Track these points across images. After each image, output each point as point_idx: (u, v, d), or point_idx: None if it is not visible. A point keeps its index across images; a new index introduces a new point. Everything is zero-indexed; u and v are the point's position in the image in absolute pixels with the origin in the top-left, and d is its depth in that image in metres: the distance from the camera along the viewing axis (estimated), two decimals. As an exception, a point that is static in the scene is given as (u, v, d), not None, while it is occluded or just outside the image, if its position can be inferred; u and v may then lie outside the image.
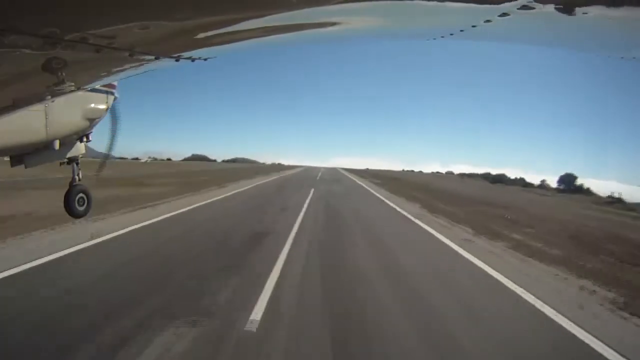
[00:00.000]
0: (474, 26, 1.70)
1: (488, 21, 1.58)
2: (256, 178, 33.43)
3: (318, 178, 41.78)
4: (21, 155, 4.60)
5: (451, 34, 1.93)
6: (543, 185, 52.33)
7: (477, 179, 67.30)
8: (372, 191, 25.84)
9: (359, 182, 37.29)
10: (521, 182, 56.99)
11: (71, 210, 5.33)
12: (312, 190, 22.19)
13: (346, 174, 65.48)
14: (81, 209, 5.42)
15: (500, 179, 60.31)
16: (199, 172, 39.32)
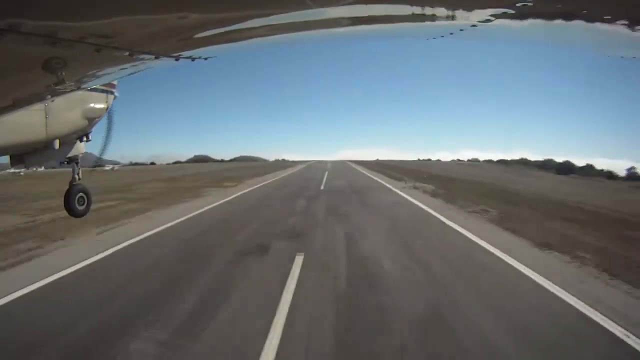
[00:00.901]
0: (473, 25, 1.70)
1: (488, 21, 1.58)
2: (210, 196, 17.16)
3: (324, 184, 23.05)
4: (21, 154, 4.61)
5: (451, 33, 1.93)
6: (635, 175, 37.77)
7: (515, 166, 51.38)
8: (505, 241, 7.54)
9: (400, 192, 17.71)
10: (589, 170, 39.46)
11: (72, 209, 5.35)
12: (295, 270, 5.70)
13: (362, 170, 43.37)
14: (81, 208, 5.43)
15: (568, 168, 41.37)
16: (139, 184, 24.73)
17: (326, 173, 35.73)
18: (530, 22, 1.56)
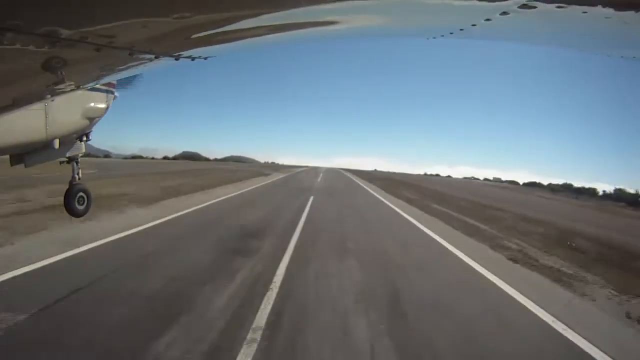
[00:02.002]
0: (473, 25, 1.69)
1: (488, 20, 1.58)
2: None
3: (305, 216, 11.21)
4: (21, 154, 4.61)
5: (451, 33, 1.93)
6: None
7: (583, 197, 37.14)
8: None
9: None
10: None
11: (71, 209, 5.35)
12: None
13: (375, 192, 25.12)
14: (81, 207, 5.43)
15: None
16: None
17: (310, 200, 16.99)
18: (530, 21, 1.56)
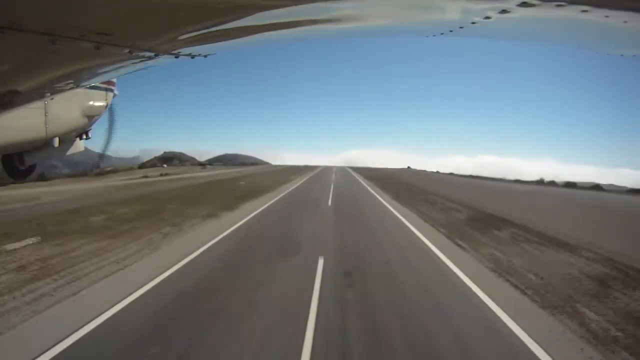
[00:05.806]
0: (473, 23, 1.70)
1: (487, 18, 1.58)
2: None
3: None
4: (21, 152, 4.61)
5: (450, 31, 1.93)
6: None
7: None
8: None
9: None
10: None
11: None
12: None
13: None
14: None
15: None
16: None
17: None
18: (529, 19, 1.56)
